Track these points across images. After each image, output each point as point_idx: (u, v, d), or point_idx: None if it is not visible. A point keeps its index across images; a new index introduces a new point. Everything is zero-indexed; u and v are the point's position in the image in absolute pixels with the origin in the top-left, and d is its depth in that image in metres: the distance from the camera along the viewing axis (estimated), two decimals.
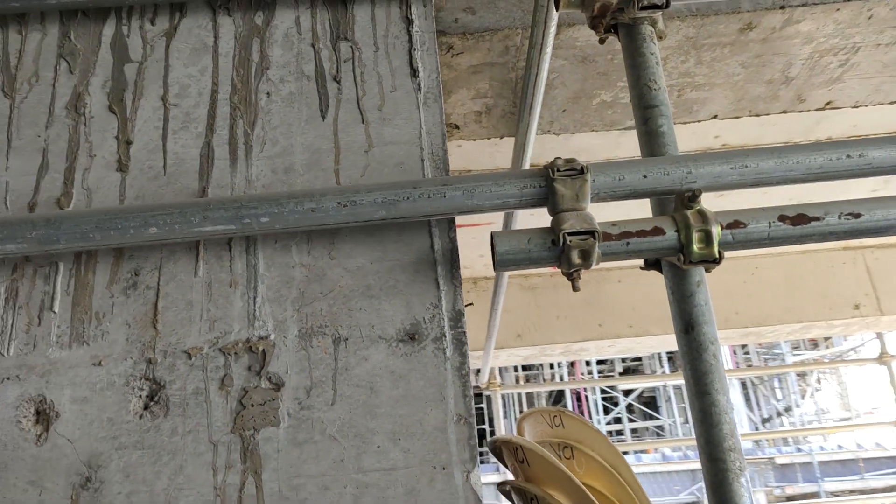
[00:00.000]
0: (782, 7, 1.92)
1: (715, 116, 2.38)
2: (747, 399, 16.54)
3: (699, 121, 2.39)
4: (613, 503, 1.60)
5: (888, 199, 1.15)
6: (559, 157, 1.16)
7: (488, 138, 2.40)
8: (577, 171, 1.13)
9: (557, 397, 16.15)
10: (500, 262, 1.12)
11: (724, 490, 1.07)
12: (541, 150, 2.51)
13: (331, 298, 1.20)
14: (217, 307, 1.20)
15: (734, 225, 1.13)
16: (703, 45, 2.01)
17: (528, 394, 15.32)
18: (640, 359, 16.24)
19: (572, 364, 14.77)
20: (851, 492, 13.83)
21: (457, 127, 2.34)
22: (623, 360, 16.08)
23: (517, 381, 15.04)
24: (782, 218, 1.13)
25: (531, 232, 1.13)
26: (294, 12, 1.40)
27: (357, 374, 1.16)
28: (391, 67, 1.36)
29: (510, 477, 1.52)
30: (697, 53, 2.04)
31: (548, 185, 1.13)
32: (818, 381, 17.02)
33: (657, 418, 16.57)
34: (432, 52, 1.37)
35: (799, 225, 1.13)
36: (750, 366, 15.53)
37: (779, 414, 16.75)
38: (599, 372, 15.78)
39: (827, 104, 2.38)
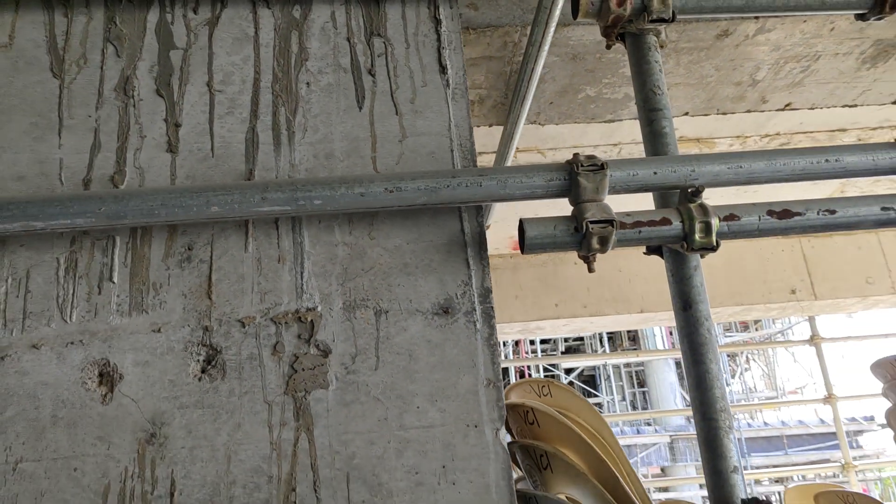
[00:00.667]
0: (756, 16, 2.10)
1: (686, 113, 2.57)
2: (681, 378, 17.23)
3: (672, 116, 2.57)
4: (603, 459, 1.78)
5: (857, 199, 1.34)
6: (579, 153, 1.31)
7: (478, 126, 2.53)
8: (598, 166, 1.28)
9: (501, 374, 16.51)
10: (529, 246, 1.27)
11: (716, 444, 1.25)
12: (494, 136, 2.66)
13: (371, 274, 1.33)
14: (267, 280, 1.31)
15: (730, 217, 1.30)
16: (682, 49, 2.19)
17: None
18: (581, 339, 16.71)
19: (517, 343, 15.11)
20: (776, 466, 14.61)
21: None
22: (566, 340, 16.53)
23: None
24: (770, 212, 1.31)
25: (556, 220, 1.28)
26: (330, 7, 1.51)
27: (397, 343, 1.29)
28: (422, 64, 1.48)
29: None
30: (677, 56, 2.22)
31: (571, 179, 1.28)
32: (747, 361, 17.82)
33: (596, 395, 17.11)
34: (459, 51, 1.50)
35: (784, 219, 1.31)
36: None
37: None
38: (543, 351, 16.19)
39: (787, 105, 2.59)
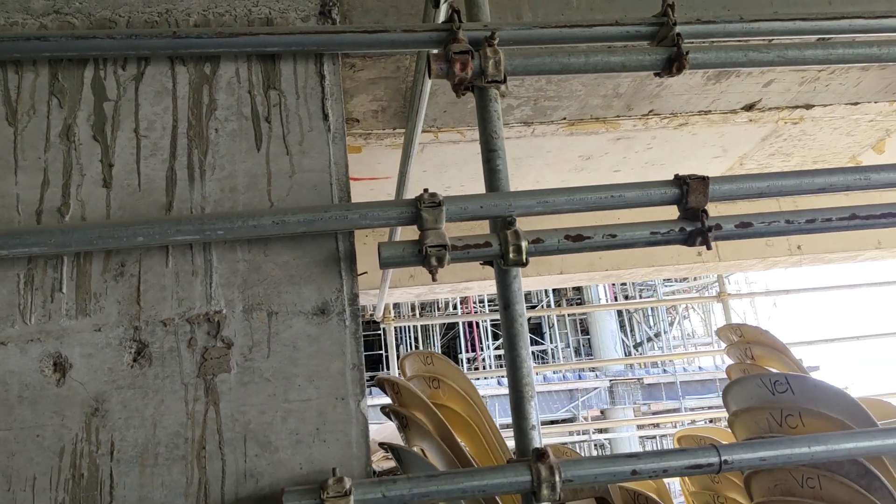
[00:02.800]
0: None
1: (564, 118, 2.98)
2: (622, 326, 18.08)
3: (553, 121, 2.99)
4: (467, 420, 2.23)
5: (632, 224, 1.77)
6: (425, 191, 1.71)
7: (383, 129, 2.91)
8: (436, 203, 1.69)
9: (450, 326, 17.12)
10: (384, 263, 1.68)
11: (522, 409, 1.70)
12: (397, 138, 3.06)
13: (265, 284, 1.73)
14: (183, 290, 1.71)
15: (536, 241, 1.72)
16: None
17: (423, 326, 16.20)
18: (528, 292, 17.33)
19: (464, 300, 15.66)
20: (709, 407, 15.54)
21: (357, 121, 2.84)
22: None
23: (414, 313, 15.84)
24: (567, 237, 1.74)
25: (405, 243, 1.69)
26: (234, 64, 1.87)
27: (285, 337, 1.70)
28: (308, 112, 1.86)
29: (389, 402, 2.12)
30: (546, 76, 2.61)
31: (417, 212, 1.69)
32: (686, 309, 18.71)
33: (541, 343, 17.88)
34: (339, 101, 1.88)
35: (577, 241, 1.74)
36: (627, 298, 16.91)
37: (649, 339, 18.41)
38: (490, 300, 16.79)
39: (650, 111, 3.02)
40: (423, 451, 1.86)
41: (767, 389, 1.99)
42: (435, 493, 1.54)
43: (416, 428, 1.84)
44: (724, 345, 3.38)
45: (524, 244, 1.70)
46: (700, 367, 16.73)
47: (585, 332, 17.61)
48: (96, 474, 1.58)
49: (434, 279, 1.73)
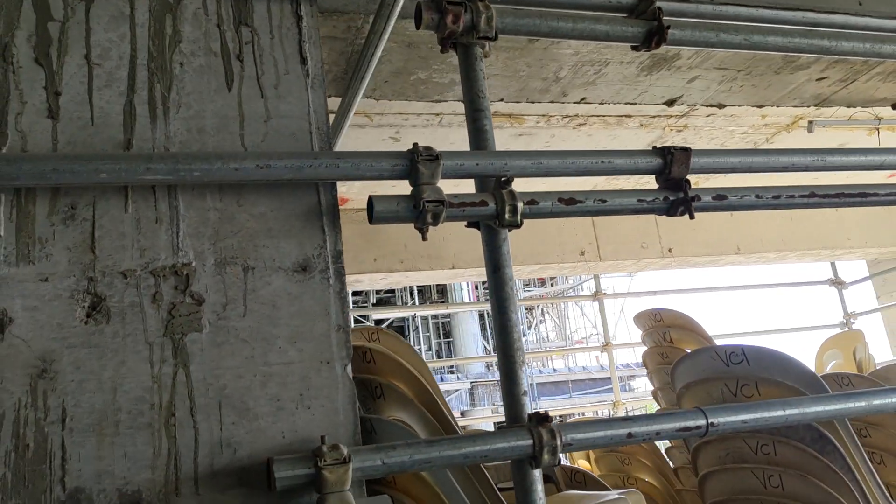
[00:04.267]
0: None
1: (501, 100, 2.96)
2: (483, 329, 18.46)
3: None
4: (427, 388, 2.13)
5: (622, 192, 1.77)
6: (418, 144, 1.62)
7: None
8: (433, 156, 1.59)
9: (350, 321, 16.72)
10: (376, 219, 1.56)
11: (512, 374, 1.64)
12: (332, 105, 2.92)
13: (240, 236, 1.56)
14: (146, 238, 1.51)
15: (531, 202, 1.67)
16: (501, 47, 2.55)
17: None
18: (392, 291, 17.30)
19: None
20: (562, 409, 16.18)
21: None
22: (377, 292, 17.02)
23: None
24: (560, 199, 1.70)
25: (398, 198, 1.58)
26: None
27: (262, 295, 1.54)
28: (285, 54, 1.71)
29: None
30: (497, 53, 2.58)
31: (412, 165, 1.59)
32: (542, 313, 19.41)
33: None
34: (317, 45, 1.74)
35: (570, 205, 1.71)
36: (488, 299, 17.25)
37: None
38: (354, 302, 16.60)
39: (582, 99, 3.07)
40: (398, 421, 1.75)
41: (722, 361, 2.05)
42: (437, 459, 1.45)
43: (394, 397, 1.73)
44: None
45: (520, 205, 1.65)
46: (554, 370, 17.40)
47: (448, 335, 17.84)
48: (45, 445, 1.35)
49: (425, 238, 1.63)
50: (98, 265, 1.47)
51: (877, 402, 1.70)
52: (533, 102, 3.00)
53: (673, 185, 1.79)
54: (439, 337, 18.43)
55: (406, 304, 16.70)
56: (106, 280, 1.46)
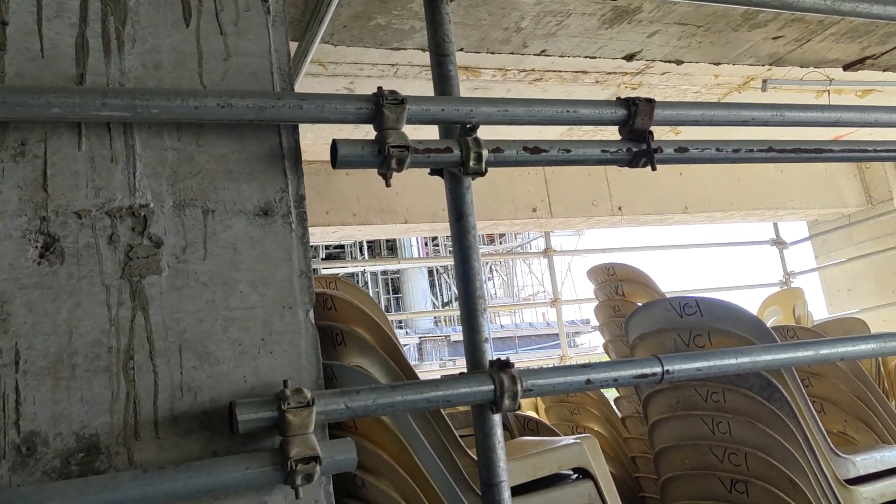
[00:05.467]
0: None
1: (461, 49, 2.92)
2: (432, 285, 18.55)
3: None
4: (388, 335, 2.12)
5: (586, 142, 1.78)
6: (382, 88, 1.59)
7: None
8: (399, 101, 1.57)
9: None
10: (340, 163, 1.54)
11: (474, 322, 1.65)
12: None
13: (199, 178, 1.52)
14: (101, 178, 1.45)
15: (496, 150, 1.67)
16: None
17: None
18: (342, 246, 17.19)
19: None
20: None
21: None
22: (327, 247, 16.90)
23: None
24: (525, 148, 1.70)
25: (363, 142, 1.55)
26: None
27: (223, 238, 1.51)
28: None
29: None
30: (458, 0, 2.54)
31: (377, 109, 1.56)
32: (491, 271, 19.58)
33: None
34: None
35: (535, 154, 1.71)
36: (437, 254, 17.32)
37: (457, 298, 19.09)
38: None
39: (542, 52, 3.05)
40: (359, 367, 1.75)
41: (676, 312, 2.10)
42: (400, 403, 1.46)
43: (354, 344, 1.73)
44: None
45: (485, 153, 1.64)
46: (501, 326, 17.63)
47: (397, 290, 17.87)
48: None
49: (388, 185, 1.61)
50: (51, 204, 1.41)
51: (824, 351, 1.77)
52: (493, 53, 2.97)
53: (636, 136, 1.81)
54: (388, 293, 18.45)
55: (356, 258, 16.65)
56: (59, 220, 1.41)
